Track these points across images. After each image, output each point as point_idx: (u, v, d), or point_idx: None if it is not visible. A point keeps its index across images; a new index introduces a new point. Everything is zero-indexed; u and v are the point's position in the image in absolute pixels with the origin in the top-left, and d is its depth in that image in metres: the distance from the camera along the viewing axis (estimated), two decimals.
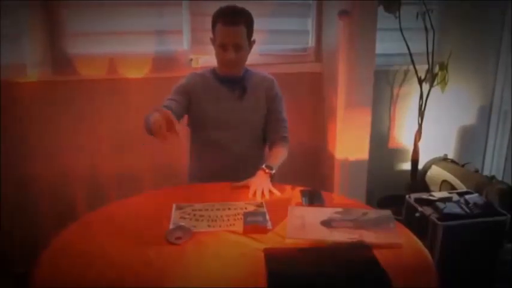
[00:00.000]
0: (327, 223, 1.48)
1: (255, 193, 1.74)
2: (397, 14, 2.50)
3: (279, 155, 1.98)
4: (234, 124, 2.00)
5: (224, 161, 2.00)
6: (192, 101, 1.97)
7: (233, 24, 1.83)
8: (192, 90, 1.97)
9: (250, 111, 2.02)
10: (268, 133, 2.08)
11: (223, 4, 1.89)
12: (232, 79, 1.99)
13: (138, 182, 2.60)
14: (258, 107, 2.03)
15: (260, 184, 1.77)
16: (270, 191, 1.76)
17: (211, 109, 1.98)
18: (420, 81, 2.68)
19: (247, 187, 1.79)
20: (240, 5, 1.90)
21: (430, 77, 2.73)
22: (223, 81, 1.98)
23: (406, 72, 2.86)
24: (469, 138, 3.08)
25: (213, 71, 2.01)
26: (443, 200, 2.21)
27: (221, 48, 1.87)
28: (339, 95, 2.51)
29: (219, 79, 1.99)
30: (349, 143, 2.56)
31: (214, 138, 2.00)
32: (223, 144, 1.99)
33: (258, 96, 2.02)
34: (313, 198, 1.69)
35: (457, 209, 2.15)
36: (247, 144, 2.03)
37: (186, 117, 2.02)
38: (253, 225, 1.46)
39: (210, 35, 1.93)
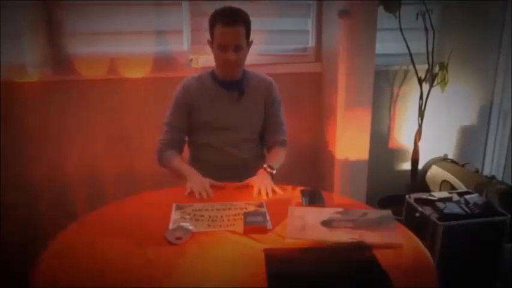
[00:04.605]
0: (327, 223, 1.48)
1: (259, 192, 1.75)
2: (397, 14, 2.50)
3: (277, 158, 2.00)
4: (232, 126, 2.00)
5: (222, 162, 2.00)
6: (192, 110, 1.99)
7: (233, 25, 1.83)
8: (190, 100, 1.98)
9: (248, 113, 2.02)
10: (266, 136, 2.09)
11: (223, 4, 1.89)
12: (231, 81, 1.99)
13: (137, 182, 2.60)
14: (256, 110, 2.03)
15: (263, 183, 1.78)
16: (273, 190, 1.77)
17: (209, 111, 1.98)
18: (420, 81, 2.68)
19: (249, 186, 1.80)
20: (240, 5, 1.90)
21: (430, 77, 2.73)
22: (221, 83, 1.98)
23: (406, 72, 2.86)
24: (469, 138, 3.08)
25: (212, 73, 2.01)
26: (443, 200, 2.21)
27: (221, 49, 1.87)
28: (339, 95, 2.51)
29: (217, 81, 1.99)
30: (349, 143, 2.56)
31: (213, 139, 2.00)
32: (221, 145, 2.00)
33: (256, 98, 2.02)
34: (313, 198, 1.69)
35: (457, 209, 2.15)
36: (246, 146, 2.04)
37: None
38: (254, 225, 1.46)
39: (208, 36, 1.93)
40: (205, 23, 1.92)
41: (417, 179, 2.87)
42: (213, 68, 2.01)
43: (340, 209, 1.58)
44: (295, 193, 1.78)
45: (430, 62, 2.66)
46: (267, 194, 1.74)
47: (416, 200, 2.25)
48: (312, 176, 2.86)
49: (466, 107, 3.03)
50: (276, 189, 1.78)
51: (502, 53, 2.94)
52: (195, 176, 1.84)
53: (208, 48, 1.96)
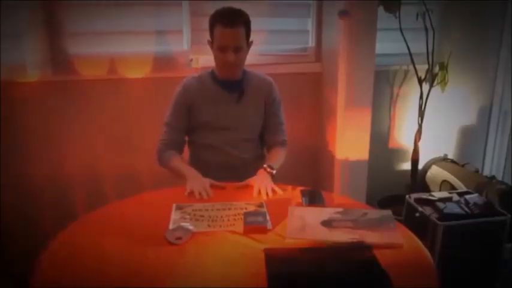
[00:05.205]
0: (327, 223, 1.48)
1: (259, 192, 1.75)
2: (397, 14, 2.50)
3: (277, 158, 2.00)
4: (232, 127, 2.00)
5: (222, 162, 2.00)
6: (192, 110, 1.99)
7: (232, 26, 1.83)
8: (190, 100, 1.98)
9: (248, 114, 2.02)
10: (266, 136, 2.09)
11: (224, 4, 1.89)
12: (231, 82, 1.98)
13: (138, 182, 2.60)
14: (256, 110, 2.04)
15: (263, 183, 1.78)
16: (273, 190, 1.77)
17: (210, 112, 1.98)
18: (420, 81, 2.68)
19: (249, 186, 1.80)
20: (240, 5, 1.90)
21: (430, 77, 2.73)
22: (221, 83, 1.98)
23: (406, 72, 2.86)
24: (469, 138, 3.08)
25: (212, 73, 2.01)
26: (443, 200, 2.21)
27: (220, 50, 1.87)
28: (339, 95, 2.51)
29: (217, 81, 1.99)
30: (349, 143, 2.56)
31: (213, 140, 2.00)
32: (221, 146, 2.00)
33: (256, 99, 2.02)
34: (313, 198, 1.69)
35: (457, 209, 2.15)
36: (246, 146, 2.04)
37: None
38: (254, 225, 1.46)
39: (208, 36, 1.93)
40: (205, 23, 1.91)
41: (417, 179, 2.87)
42: (213, 68, 2.00)
43: (340, 209, 1.58)
44: (295, 193, 1.78)
45: (430, 62, 2.66)
46: (267, 194, 1.74)
47: (416, 200, 2.25)
48: (312, 176, 2.86)
49: (466, 107, 3.03)
50: (276, 189, 1.78)
51: (502, 53, 2.94)
52: (195, 176, 1.84)
53: (208, 48, 1.96)
